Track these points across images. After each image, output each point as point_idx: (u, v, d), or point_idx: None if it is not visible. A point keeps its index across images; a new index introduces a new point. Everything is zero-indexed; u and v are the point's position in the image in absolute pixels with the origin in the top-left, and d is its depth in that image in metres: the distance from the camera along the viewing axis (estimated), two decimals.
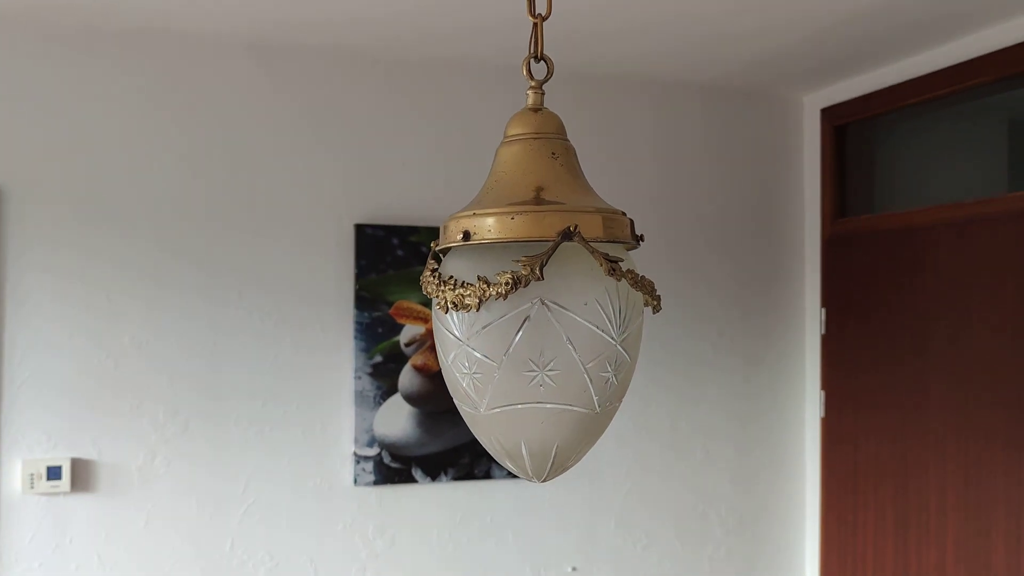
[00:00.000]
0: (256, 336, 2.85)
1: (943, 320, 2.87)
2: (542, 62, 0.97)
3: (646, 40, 2.91)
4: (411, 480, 2.98)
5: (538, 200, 0.89)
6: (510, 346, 0.86)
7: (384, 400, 2.95)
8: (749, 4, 2.58)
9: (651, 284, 0.91)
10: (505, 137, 0.96)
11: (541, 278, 0.84)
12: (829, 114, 3.37)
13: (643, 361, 0.94)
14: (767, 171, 3.46)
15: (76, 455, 2.69)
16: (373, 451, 2.94)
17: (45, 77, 2.70)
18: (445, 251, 0.96)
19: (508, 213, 0.87)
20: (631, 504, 3.22)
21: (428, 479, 2.99)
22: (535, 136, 0.94)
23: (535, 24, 0.97)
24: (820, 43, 2.92)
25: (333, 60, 2.96)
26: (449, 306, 0.88)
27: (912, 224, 3.01)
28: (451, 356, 0.90)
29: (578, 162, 0.96)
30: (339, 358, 2.93)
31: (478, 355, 0.87)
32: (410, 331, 3.00)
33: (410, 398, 2.98)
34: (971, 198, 2.91)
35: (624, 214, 0.92)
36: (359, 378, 2.93)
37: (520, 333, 0.86)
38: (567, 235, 0.85)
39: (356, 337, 2.94)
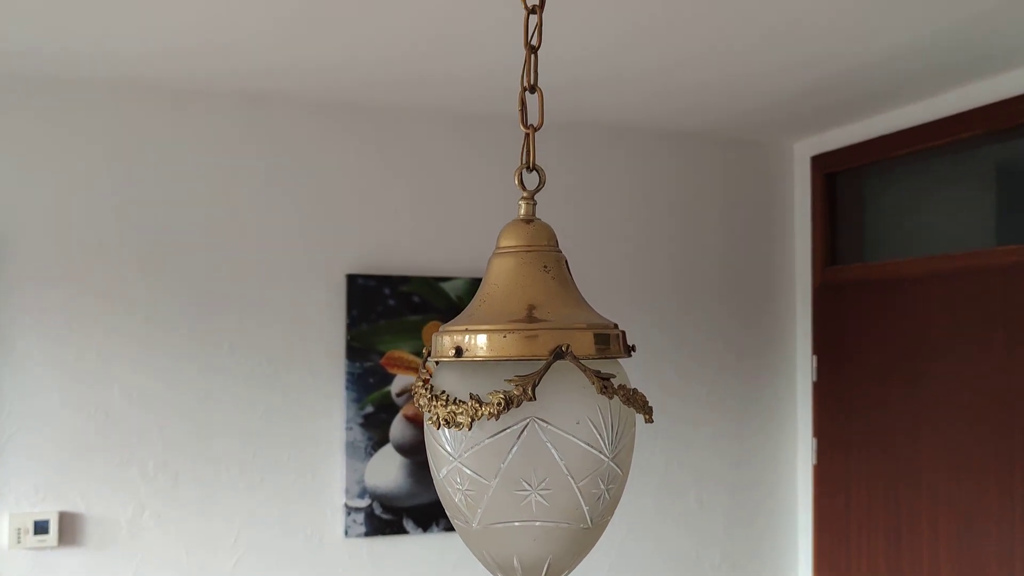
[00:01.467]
0: (247, 388, 2.85)
1: (934, 370, 2.89)
2: (534, 172, 0.98)
3: (634, 90, 2.93)
4: (402, 531, 2.96)
5: (530, 317, 0.89)
6: (502, 465, 0.86)
7: (375, 451, 2.94)
8: (738, 55, 2.60)
9: (643, 398, 0.91)
10: (497, 248, 0.97)
11: (533, 398, 0.85)
12: (819, 162, 3.40)
13: None
14: (758, 218, 3.48)
15: (64, 509, 2.68)
16: (364, 502, 2.93)
17: (33, 130, 2.71)
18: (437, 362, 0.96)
19: (500, 331, 0.88)
20: (624, 549, 3.21)
21: (419, 530, 2.98)
22: (527, 249, 0.95)
23: (527, 135, 0.98)
24: (810, 93, 2.94)
25: (324, 109, 2.98)
26: (441, 423, 0.88)
27: (903, 274, 3.03)
28: (443, 471, 0.91)
29: (570, 272, 0.96)
30: (330, 409, 2.93)
31: (470, 472, 0.88)
32: (401, 381, 2.99)
33: (401, 448, 2.97)
34: (960, 250, 2.93)
35: (616, 326, 0.93)
36: (350, 428, 2.92)
37: (513, 452, 0.86)
38: (559, 354, 0.86)
39: (347, 387, 2.93)
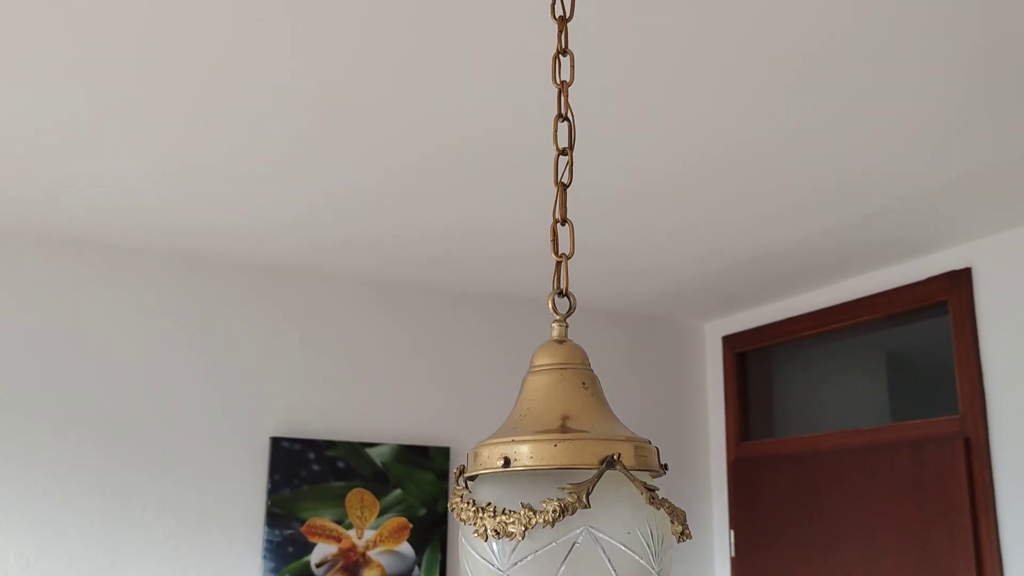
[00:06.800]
0: (158, 554, 2.67)
1: (852, 542, 2.96)
2: (566, 297, 1.03)
3: (544, 270, 3.07)
4: None
5: (575, 429, 0.92)
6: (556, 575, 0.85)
7: None
8: (652, 243, 2.78)
9: (683, 513, 0.93)
10: (533, 367, 1.00)
11: (588, 506, 0.86)
12: (730, 341, 3.58)
13: None
14: (673, 395, 3.60)
15: None
16: None
17: None
18: (471, 478, 0.96)
19: (550, 440, 0.89)
20: None
21: None
22: (563, 367, 0.98)
23: (558, 262, 1.04)
24: (720, 278, 3.15)
25: (254, 274, 2.99)
26: (490, 534, 0.87)
27: (815, 448, 3.16)
28: None
29: (603, 392, 1.00)
30: None
31: None
32: (322, 551, 2.87)
33: None
34: (865, 425, 3.10)
35: (649, 442, 0.96)
36: None
37: (566, 562, 0.86)
38: (610, 463, 0.88)
39: (265, 556, 2.78)
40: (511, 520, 0.87)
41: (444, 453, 3.11)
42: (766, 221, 2.61)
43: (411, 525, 3.01)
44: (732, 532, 3.40)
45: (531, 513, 0.86)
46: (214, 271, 2.92)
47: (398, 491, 3.02)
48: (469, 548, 0.92)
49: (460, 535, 0.95)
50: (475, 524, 0.89)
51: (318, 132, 2.05)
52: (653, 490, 0.90)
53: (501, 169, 2.25)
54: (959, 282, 2.72)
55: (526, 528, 0.86)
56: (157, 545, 2.67)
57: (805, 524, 3.13)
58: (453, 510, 0.93)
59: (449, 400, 3.21)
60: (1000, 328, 2.62)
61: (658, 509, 0.90)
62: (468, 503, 0.92)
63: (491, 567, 0.89)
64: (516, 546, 0.87)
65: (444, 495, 3.09)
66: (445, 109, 1.94)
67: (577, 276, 3.17)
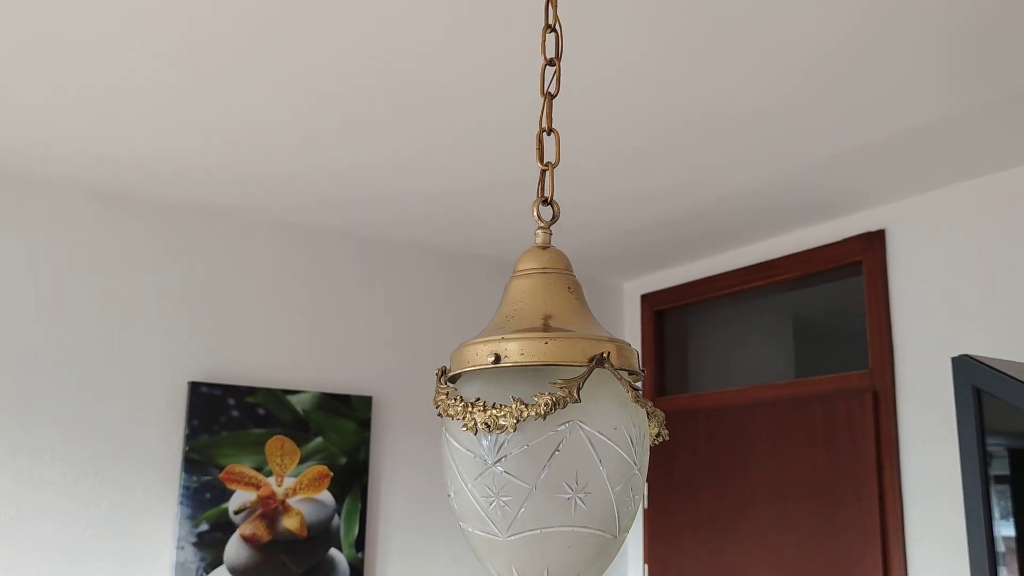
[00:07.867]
0: (68, 497, 2.58)
1: (764, 493, 3.08)
2: (549, 206, 1.03)
3: (472, 225, 3.08)
4: None
5: (564, 329, 0.93)
6: (545, 468, 0.87)
7: (208, 573, 2.71)
8: (572, 203, 2.81)
9: (663, 415, 0.95)
10: (517, 271, 1.00)
11: (579, 400, 0.87)
12: (649, 300, 3.65)
13: None
14: None
15: None
16: None
17: None
18: (452, 379, 0.97)
19: (541, 338, 0.90)
20: None
21: None
22: (548, 271, 0.99)
23: (543, 171, 1.04)
24: (639, 238, 3.20)
25: (179, 213, 2.90)
26: (480, 427, 0.88)
27: (730, 403, 3.27)
28: (473, 480, 0.89)
29: (585, 297, 1.01)
30: (161, 525, 2.69)
31: (510, 477, 0.87)
32: (240, 497, 2.82)
33: (236, 571, 2.76)
34: (780, 380, 3.21)
35: (629, 345, 0.98)
36: (182, 548, 2.69)
37: (556, 455, 0.87)
38: (600, 361, 0.89)
39: (181, 502, 2.72)
40: (502, 413, 0.87)
41: (366, 402, 3.09)
42: (685, 182, 2.66)
43: (332, 473, 2.99)
44: (646, 485, 3.49)
45: (523, 406, 0.87)
46: (131, 211, 2.82)
47: (319, 439, 2.98)
48: (455, 443, 0.92)
49: (444, 433, 0.95)
50: (464, 418, 0.90)
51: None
52: (636, 389, 0.92)
53: (444, 125, 2.23)
54: (873, 243, 2.84)
55: (517, 421, 0.87)
56: (69, 488, 2.58)
57: (718, 475, 3.24)
58: (438, 407, 0.93)
59: (372, 349, 3.18)
60: (910, 287, 2.76)
61: (641, 408, 0.92)
62: (455, 399, 0.92)
63: (479, 460, 0.89)
64: (506, 440, 0.88)
65: (365, 444, 3.07)
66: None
67: (495, 235, 3.18)
